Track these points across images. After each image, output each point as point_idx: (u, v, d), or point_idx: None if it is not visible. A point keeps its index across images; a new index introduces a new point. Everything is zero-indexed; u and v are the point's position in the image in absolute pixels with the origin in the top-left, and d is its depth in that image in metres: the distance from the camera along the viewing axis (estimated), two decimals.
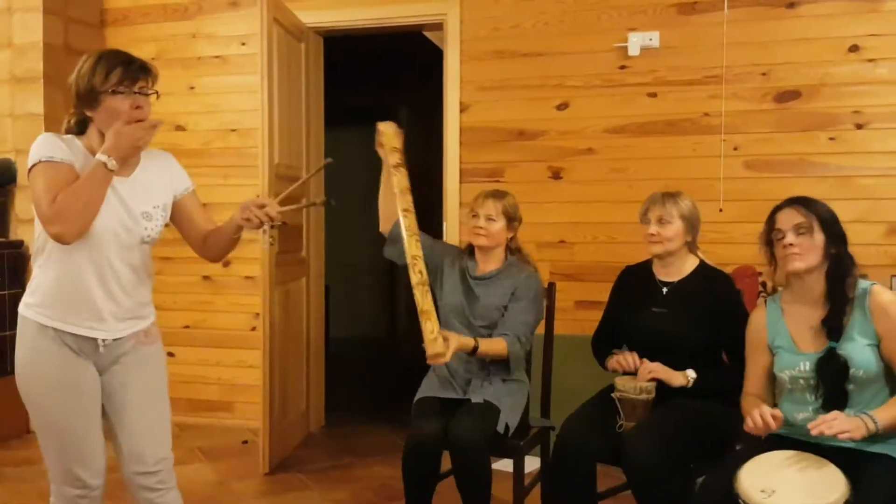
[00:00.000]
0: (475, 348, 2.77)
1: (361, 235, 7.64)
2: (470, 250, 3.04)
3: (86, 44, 4.72)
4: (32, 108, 4.46)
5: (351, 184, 7.22)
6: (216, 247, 2.30)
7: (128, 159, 2.09)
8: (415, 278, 2.63)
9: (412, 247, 2.68)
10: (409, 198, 2.77)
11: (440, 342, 2.55)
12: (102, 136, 2.09)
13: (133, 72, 2.08)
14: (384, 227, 3.01)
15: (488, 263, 2.98)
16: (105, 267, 2.11)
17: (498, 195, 2.97)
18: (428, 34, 4.65)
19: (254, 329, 4.47)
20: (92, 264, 2.10)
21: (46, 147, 2.05)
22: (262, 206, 2.15)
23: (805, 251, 2.23)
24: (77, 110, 2.14)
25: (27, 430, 4.50)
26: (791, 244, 2.24)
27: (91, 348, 2.15)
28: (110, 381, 2.20)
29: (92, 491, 2.19)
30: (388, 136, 2.88)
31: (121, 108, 2.06)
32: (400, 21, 4.34)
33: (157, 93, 2.14)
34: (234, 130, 4.59)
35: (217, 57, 4.60)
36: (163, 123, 2.12)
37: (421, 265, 2.65)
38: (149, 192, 2.19)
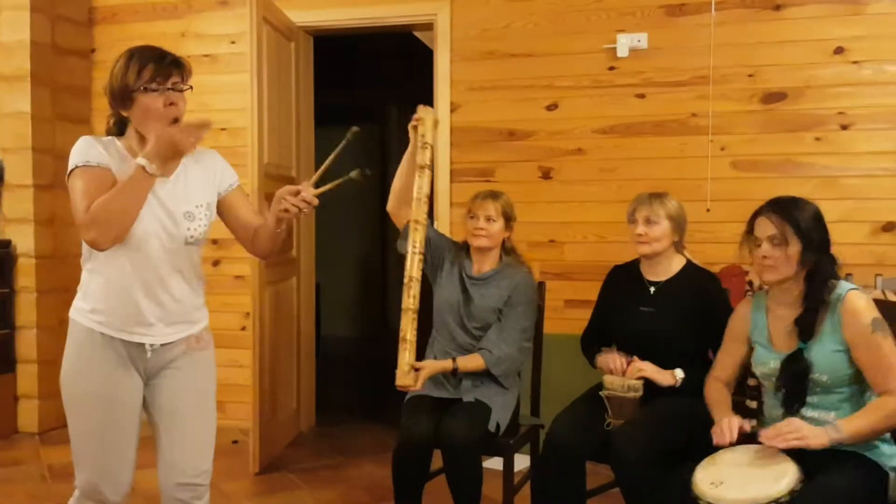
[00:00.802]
0: (455, 369, 2.81)
1: (353, 235, 7.67)
2: (466, 248, 3.04)
3: (74, 42, 4.71)
4: (20, 106, 4.44)
5: (341, 184, 7.24)
6: (262, 244, 2.24)
7: (169, 163, 2.04)
8: (406, 302, 2.60)
9: (413, 267, 2.65)
10: (425, 209, 2.72)
11: (411, 375, 2.59)
12: (141, 136, 2.06)
13: (165, 67, 2.03)
14: (391, 206, 2.96)
15: (484, 263, 2.97)
16: (150, 271, 2.06)
17: (495, 195, 2.97)
18: (418, 34, 4.66)
19: (244, 329, 4.47)
20: (136, 269, 2.05)
21: (83, 151, 2.01)
22: (296, 193, 2.06)
23: (778, 263, 2.21)
24: (114, 111, 2.11)
25: (15, 431, 4.49)
26: (764, 256, 2.23)
27: (139, 354, 2.10)
28: (159, 387, 2.15)
29: None
30: (426, 125, 2.75)
31: (154, 105, 2.01)
32: (390, 21, 4.34)
33: (191, 87, 2.10)
34: (223, 129, 4.58)
35: (206, 56, 4.60)
36: (211, 126, 2.05)
37: (416, 289, 2.62)
38: (191, 191, 2.13)
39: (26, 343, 4.48)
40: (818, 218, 2.26)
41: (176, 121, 2.05)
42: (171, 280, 2.10)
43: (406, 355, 2.56)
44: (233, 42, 4.55)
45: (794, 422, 2.11)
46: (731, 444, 2.20)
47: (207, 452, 2.21)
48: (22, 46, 4.42)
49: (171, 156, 1.99)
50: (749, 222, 2.31)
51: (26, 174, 4.44)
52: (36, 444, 4.33)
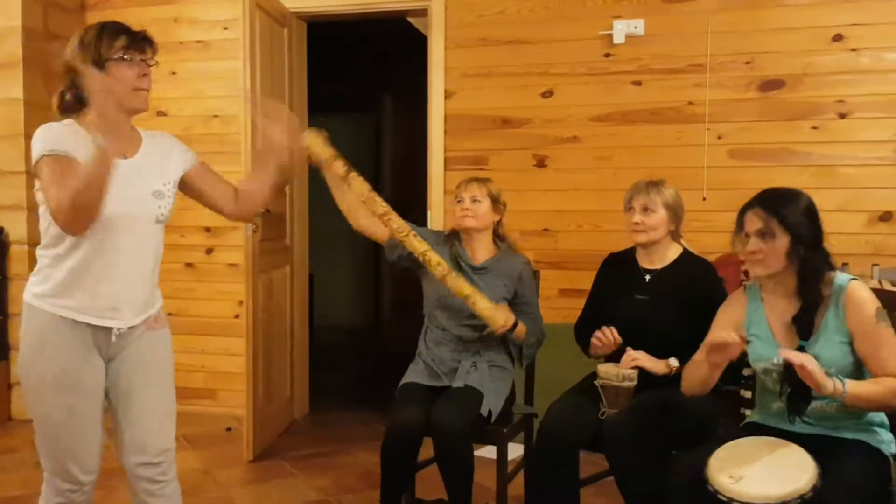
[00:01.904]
0: (515, 324, 2.78)
1: (346, 224, 7.64)
2: (457, 237, 3.01)
3: (66, 28, 4.66)
4: (12, 92, 4.40)
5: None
6: (253, 202, 2.29)
7: (115, 126, 1.97)
8: (438, 272, 2.65)
9: (416, 245, 2.67)
10: (379, 199, 2.70)
11: (501, 310, 2.69)
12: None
13: (138, 41, 2.06)
14: (354, 225, 2.94)
15: (479, 251, 2.95)
16: (121, 253, 2.06)
17: (481, 179, 2.96)
18: (412, 20, 4.62)
19: (237, 317, 4.46)
20: (107, 252, 2.04)
21: (47, 139, 1.99)
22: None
23: (766, 256, 2.19)
24: (73, 83, 2.06)
25: (8, 418, 4.48)
26: (752, 251, 2.21)
27: (104, 337, 2.10)
28: (118, 368, 2.15)
29: (83, 486, 2.15)
30: (316, 145, 2.59)
31: (127, 75, 2.03)
32: (384, 7, 4.31)
33: (157, 63, 2.11)
34: (216, 116, 4.56)
35: (199, 42, 4.56)
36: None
37: (435, 256, 2.66)
38: (156, 170, 2.15)
39: (19, 329, 4.45)
40: (809, 211, 2.22)
41: (146, 92, 2.08)
42: (140, 262, 2.11)
43: (481, 302, 2.68)
44: (225, 28, 4.52)
45: (810, 361, 2.05)
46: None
47: (168, 430, 2.22)
48: (14, 32, 4.38)
49: (112, 113, 1.91)
50: (738, 217, 2.28)
51: (18, 161, 4.40)
52: (30, 432, 4.22)
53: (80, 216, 1.92)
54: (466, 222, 2.91)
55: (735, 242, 2.30)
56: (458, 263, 2.93)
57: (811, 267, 2.19)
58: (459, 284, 2.67)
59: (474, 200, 2.90)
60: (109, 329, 2.10)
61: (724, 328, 2.40)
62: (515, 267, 2.91)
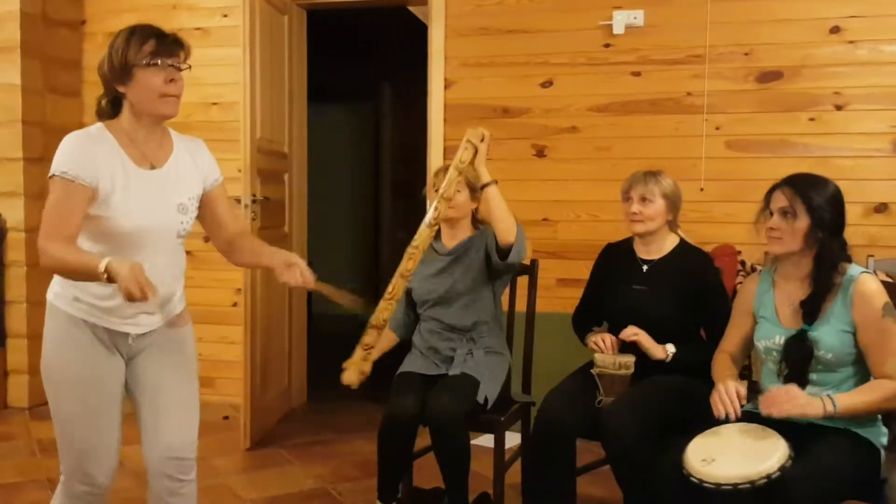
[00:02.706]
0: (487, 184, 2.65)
1: (345, 213, 7.65)
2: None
3: (64, 13, 4.65)
4: (9, 78, 4.38)
5: (334, 159, 7.20)
6: (242, 260, 2.28)
7: (143, 137, 2.05)
8: (411, 264, 2.49)
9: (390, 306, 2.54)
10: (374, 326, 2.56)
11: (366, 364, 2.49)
12: (136, 116, 2.04)
13: (167, 45, 2.01)
14: None
15: (456, 237, 2.94)
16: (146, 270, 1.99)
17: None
18: (412, 9, 4.61)
19: (235, 305, 4.46)
20: None
21: (68, 158, 1.96)
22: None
23: (785, 235, 2.23)
24: (109, 89, 2.06)
25: (4, 406, 4.48)
26: (771, 228, 2.25)
27: (122, 340, 2.10)
28: (139, 366, 2.15)
29: (99, 489, 2.14)
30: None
31: (154, 82, 1.99)
32: None
33: (189, 67, 2.07)
34: (215, 104, 4.55)
35: (198, 29, 4.54)
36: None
37: (399, 281, 2.51)
38: (182, 182, 2.11)
39: (16, 318, 4.46)
40: (835, 199, 2.26)
41: (175, 98, 2.04)
42: (160, 276, 2.06)
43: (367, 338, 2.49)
44: (225, 15, 4.50)
45: (791, 389, 2.12)
46: (735, 419, 2.19)
47: (192, 426, 2.21)
48: (12, 17, 4.36)
49: (131, 297, 1.85)
50: (766, 195, 2.31)
51: (16, 147, 4.39)
52: (26, 419, 4.32)
53: (45, 267, 1.96)
54: (450, 213, 2.80)
55: (759, 219, 2.32)
56: (435, 255, 2.93)
57: (828, 253, 2.22)
58: (421, 234, 2.50)
59: (457, 192, 2.85)
60: (126, 334, 2.10)
61: (740, 315, 2.47)
62: (489, 234, 2.81)
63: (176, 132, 2.21)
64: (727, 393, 2.21)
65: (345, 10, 4.66)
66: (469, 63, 4.16)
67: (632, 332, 2.64)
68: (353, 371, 2.49)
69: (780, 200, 2.25)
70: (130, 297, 1.82)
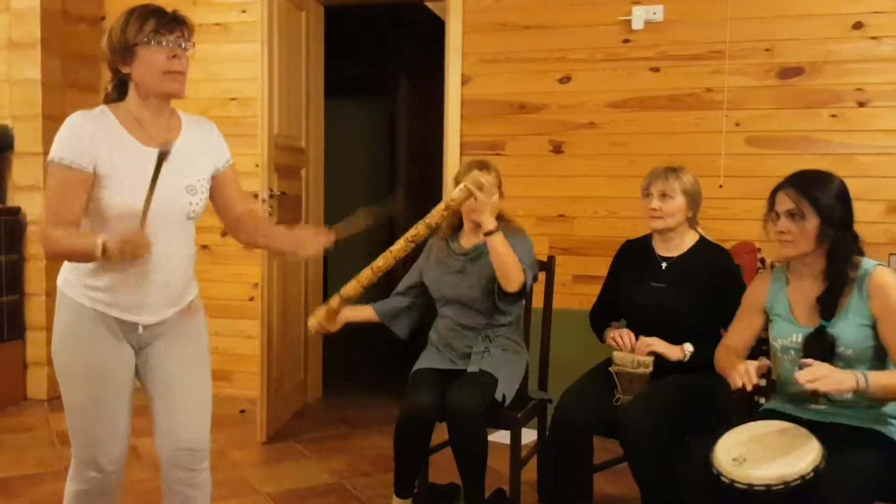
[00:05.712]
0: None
1: (361, 205, 7.64)
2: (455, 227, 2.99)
3: (84, 9, 4.68)
4: (29, 73, 4.42)
5: (351, 154, 7.20)
6: (248, 239, 2.29)
7: (150, 116, 2.05)
8: (395, 254, 2.60)
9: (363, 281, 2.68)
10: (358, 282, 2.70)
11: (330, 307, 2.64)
12: (141, 96, 2.03)
13: (167, 22, 2.00)
14: None
15: (473, 239, 2.93)
16: (152, 252, 1.96)
17: (483, 165, 2.88)
18: (430, 5, 4.60)
19: (252, 299, 4.48)
20: None
21: (63, 140, 1.96)
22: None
23: (796, 237, 2.20)
24: (114, 71, 2.05)
25: (24, 397, 4.52)
26: (781, 231, 2.22)
27: (132, 330, 2.09)
28: (151, 355, 2.14)
29: (107, 476, 2.14)
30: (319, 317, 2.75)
31: (156, 59, 1.97)
32: None
33: (193, 45, 2.05)
34: (233, 99, 4.56)
35: (217, 24, 4.56)
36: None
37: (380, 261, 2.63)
38: (192, 163, 2.10)
39: (35, 310, 4.50)
40: (841, 194, 2.23)
41: (180, 74, 2.02)
42: (170, 259, 2.08)
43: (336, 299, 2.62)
44: (243, 11, 4.51)
45: (824, 366, 2.07)
46: (753, 388, 2.15)
47: (205, 418, 2.21)
48: (32, 13, 4.40)
49: (122, 260, 1.91)
50: (770, 197, 2.29)
51: (36, 141, 4.43)
52: (45, 411, 4.36)
53: (51, 258, 2.01)
54: (472, 216, 2.84)
55: (766, 222, 2.30)
56: (451, 254, 2.93)
57: (841, 248, 2.20)
58: (354, 287, 2.66)
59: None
60: (136, 324, 2.09)
61: (750, 311, 2.43)
62: (513, 240, 2.79)
63: (185, 113, 2.20)
64: (746, 368, 2.17)
65: (363, 6, 4.65)
66: (486, 59, 4.14)
67: (645, 346, 2.63)
68: (315, 322, 2.74)
69: (785, 202, 2.22)
70: (124, 255, 1.85)
